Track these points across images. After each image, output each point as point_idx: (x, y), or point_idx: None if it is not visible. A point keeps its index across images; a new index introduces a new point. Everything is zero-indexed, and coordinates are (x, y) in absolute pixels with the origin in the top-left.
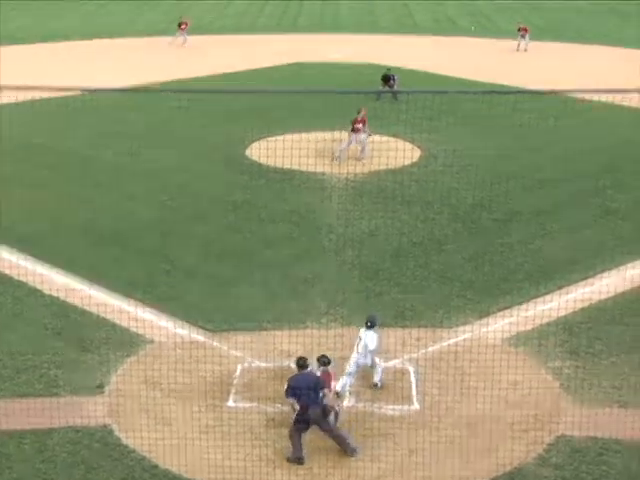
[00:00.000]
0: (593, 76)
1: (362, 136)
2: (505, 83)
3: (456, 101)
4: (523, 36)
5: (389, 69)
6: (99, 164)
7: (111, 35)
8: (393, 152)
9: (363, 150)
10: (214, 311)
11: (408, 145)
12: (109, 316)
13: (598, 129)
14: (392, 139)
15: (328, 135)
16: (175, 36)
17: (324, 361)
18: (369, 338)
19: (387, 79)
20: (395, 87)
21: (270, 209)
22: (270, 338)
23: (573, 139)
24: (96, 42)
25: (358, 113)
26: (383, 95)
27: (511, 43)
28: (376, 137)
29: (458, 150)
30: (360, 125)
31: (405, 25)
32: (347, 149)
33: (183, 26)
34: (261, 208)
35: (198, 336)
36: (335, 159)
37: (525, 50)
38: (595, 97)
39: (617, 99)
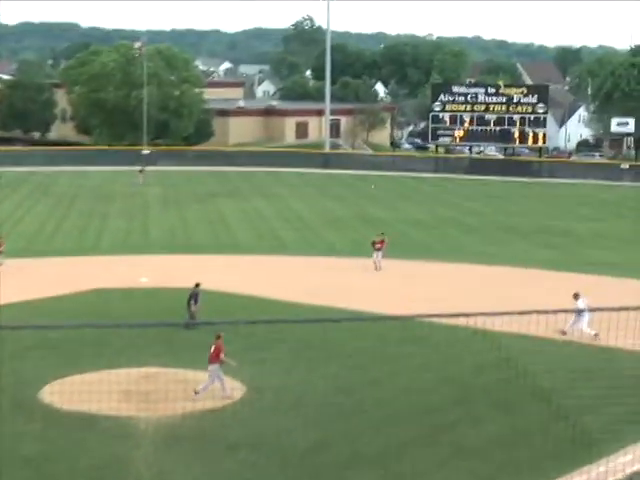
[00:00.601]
0: (442, 297)
1: (212, 367)
2: (343, 306)
3: (286, 327)
4: (379, 249)
5: (197, 285)
6: None
7: None
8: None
9: (205, 388)
10: None
11: (232, 384)
12: None
13: (445, 355)
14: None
15: (135, 372)
16: None
17: None
18: None
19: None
20: (194, 309)
21: (70, 464)
22: None
23: (419, 368)
24: None
25: (218, 338)
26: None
27: (338, 261)
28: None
29: (289, 385)
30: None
31: (224, 244)
32: (208, 390)
33: None
34: (59, 463)
35: None
36: (195, 394)
37: (380, 268)
38: (439, 320)
39: (461, 321)
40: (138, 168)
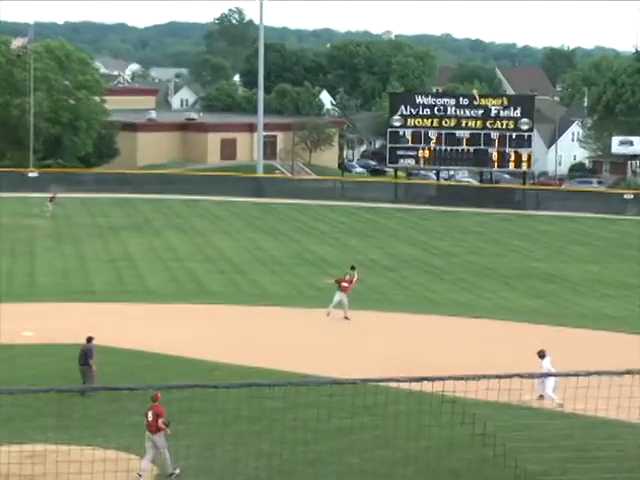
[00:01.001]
0: (402, 357)
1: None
2: (278, 367)
3: (208, 394)
4: (346, 290)
5: (90, 339)
6: None
7: None
8: None
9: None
10: None
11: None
12: None
13: (406, 429)
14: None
15: (17, 451)
16: None
17: None
18: None
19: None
20: (94, 370)
21: None
22: None
23: (373, 445)
24: None
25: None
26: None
27: (272, 311)
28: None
29: (212, 465)
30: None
31: (130, 290)
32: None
33: None
34: None
35: None
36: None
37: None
38: (398, 385)
39: (426, 387)
40: (49, 195)
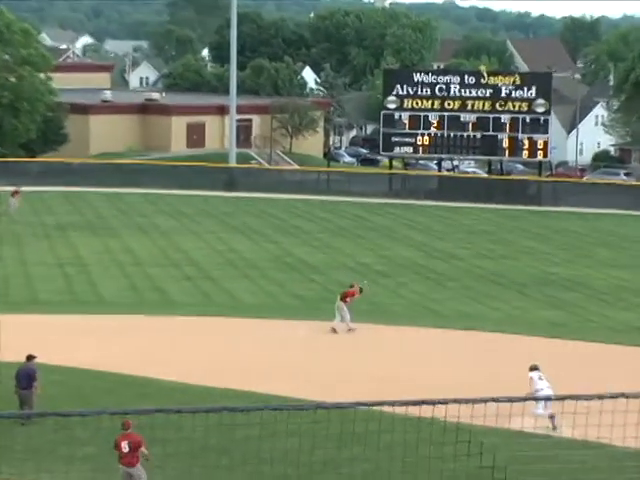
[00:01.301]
0: (398, 377)
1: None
2: (253, 389)
3: (172, 421)
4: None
5: (30, 357)
6: None
7: None
8: None
9: None
10: None
11: None
12: None
13: (402, 462)
14: None
15: None
16: None
17: None
18: None
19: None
20: (35, 391)
21: None
22: None
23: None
24: None
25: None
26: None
27: (247, 323)
28: None
29: None
30: None
31: (81, 300)
32: None
33: None
34: None
35: None
36: None
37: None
38: (394, 409)
39: (426, 411)
40: (11, 189)
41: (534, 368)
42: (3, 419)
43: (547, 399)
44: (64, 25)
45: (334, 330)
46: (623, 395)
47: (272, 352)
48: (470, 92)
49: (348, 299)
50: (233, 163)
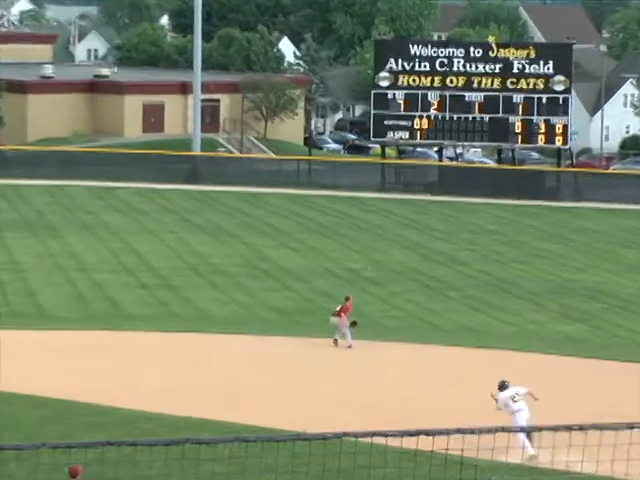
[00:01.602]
0: (393, 403)
1: None
2: (225, 418)
3: (128, 454)
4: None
5: None
6: None
7: None
8: None
9: None
10: None
11: None
12: None
13: None
14: None
15: None
16: None
17: None
18: None
19: None
20: None
21: None
22: None
23: None
24: None
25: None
26: None
27: (215, 339)
28: None
29: None
30: None
31: (17, 311)
32: None
33: None
34: None
35: None
36: None
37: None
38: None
39: (423, 444)
40: None
41: (504, 386)
42: None
43: (554, 429)
44: None
45: (335, 342)
46: None
47: (244, 374)
48: (476, 67)
49: (343, 314)
50: (197, 151)
